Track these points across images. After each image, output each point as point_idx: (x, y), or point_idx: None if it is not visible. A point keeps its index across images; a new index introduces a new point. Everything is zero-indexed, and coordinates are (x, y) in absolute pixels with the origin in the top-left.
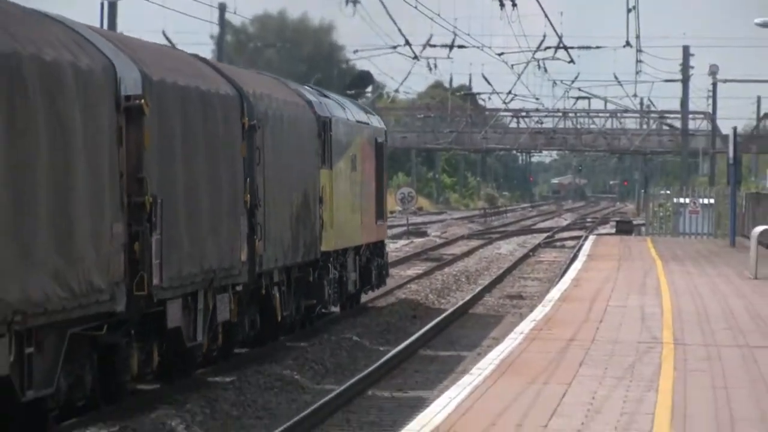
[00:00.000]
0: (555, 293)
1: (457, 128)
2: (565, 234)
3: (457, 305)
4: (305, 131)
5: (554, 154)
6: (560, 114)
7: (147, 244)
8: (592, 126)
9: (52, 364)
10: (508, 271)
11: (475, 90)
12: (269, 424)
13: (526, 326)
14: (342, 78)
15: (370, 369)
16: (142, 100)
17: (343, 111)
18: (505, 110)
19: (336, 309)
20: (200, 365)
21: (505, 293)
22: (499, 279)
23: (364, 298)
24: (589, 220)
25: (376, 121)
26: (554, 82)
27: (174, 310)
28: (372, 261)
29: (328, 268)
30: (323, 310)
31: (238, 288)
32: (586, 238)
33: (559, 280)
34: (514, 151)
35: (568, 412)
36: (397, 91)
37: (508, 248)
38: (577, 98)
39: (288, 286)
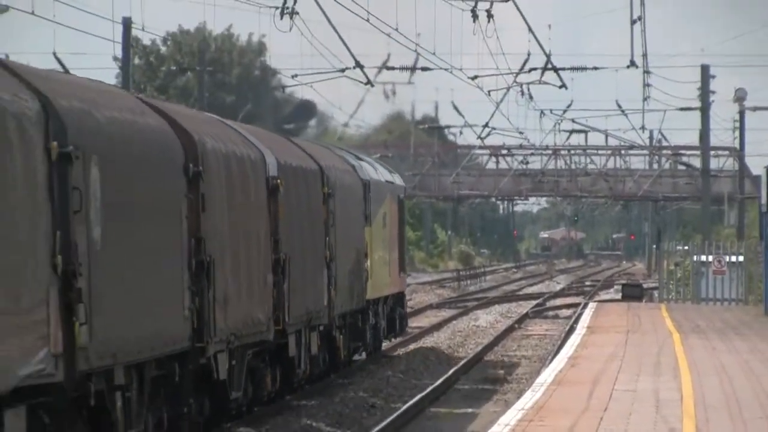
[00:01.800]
0: (547, 375)
1: (422, 170)
2: (559, 301)
3: (426, 391)
4: (356, 194)
5: (543, 201)
6: (550, 152)
7: (281, 290)
8: (590, 166)
9: (241, 374)
10: (489, 347)
11: (443, 122)
12: None
13: (511, 416)
14: (278, 109)
15: None
16: (279, 180)
17: (376, 172)
18: (482, 147)
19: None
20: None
21: (485, 376)
22: (476, 358)
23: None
24: (588, 283)
25: (398, 179)
26: (542, 112)
27: (293, 342)
28: (395, 310)
29: (369, 315)
30: (363, 353)
31: (321, 328)
32: (585, 305)
33: (553, 358)
34: (494, 199)
35: None
36: (346, 124)
37: (489, 319)
38: (571, 132)
39: (345, 329)
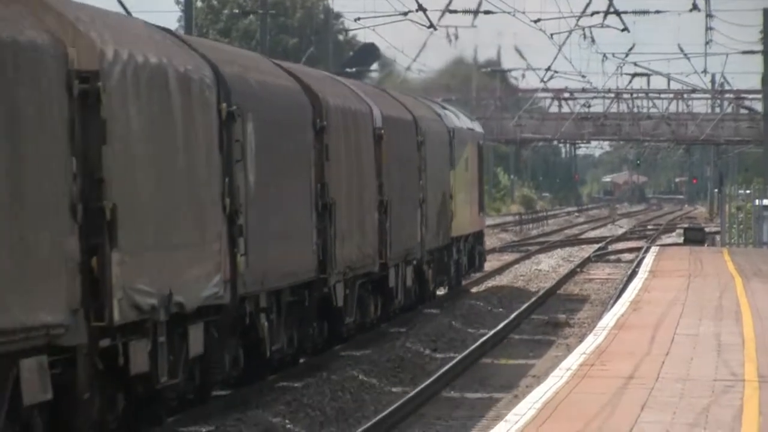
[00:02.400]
0: (609, 319)
1: (485, 114)
2: (621, 245)
3: (488, 335)
4: (443, 141)
5: (605, 145)
6: (612, 95)
7: (384, 229)
8: (652, 110)
9: (353, 301)
10: (551, 292)
11: (505, 66)
12: None
13: (573, 361)
14: (340, 53)
15: (380, 416)
16: (383, 130)
17: (459, 120)
18: (544, 90)
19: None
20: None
21: (547, 320)
22: (539, 302)
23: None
24: (650, 227)
25: (477, 127)
26: (604, 56)
27: (392, 275)
28: (475, 247)
29: (453, 251)
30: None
31: (414, 263)
32: (648, 249)
33: (614, 302)
34: (556, 142)
35: None
36: (409, 68)
37: (550, 263)
38: (633, 75)
39: (433, 263)
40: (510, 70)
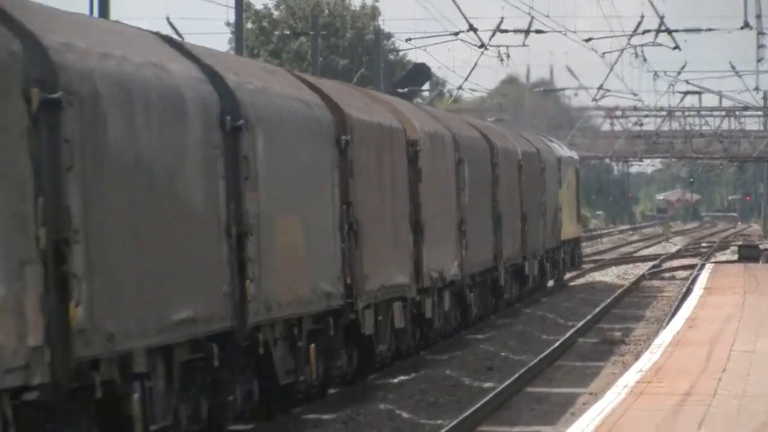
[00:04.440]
0: (665, 336)
1: (537, 133)
2: (676, 262)
3: (544, 353)
4: (554, 167)
5: (658, 162)
6: (664, 113)
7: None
8: (704, 127)
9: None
10: (606, 309)
11: (557, 85)
12: None
13: (630, 378)
14: (391, 73)
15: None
16: (522, 162)
17: (562, 150)
18: (596, 109)
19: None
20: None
21: (603, 337)
22: (594, 319)
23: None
24: (704, 244)
25: (575, 155)
26: (656, 74)
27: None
28: (575, 250)
29: (561, 252)
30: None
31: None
32: (702, 266)
33: (670, 319)
34: (608, 160)
35: None
36: (461, 87)
37: (605, 281)
38: (685, 93)
39: (550, 261)
40: (562, 90)
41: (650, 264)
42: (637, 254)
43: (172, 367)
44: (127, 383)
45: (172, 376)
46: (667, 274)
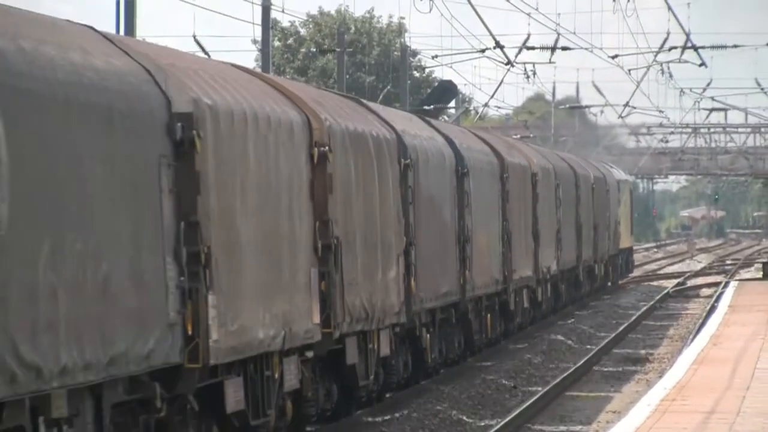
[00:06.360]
0: (689, 354)
1: (563, 150)
2: (700, 280)
3: (568, 371)
4: (615, 188)
5: (683, 179)
6: (690, 130)
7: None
8: (729, 144)
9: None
10: (630, 327)
11: (584, 102)
12: None
13: (654, 396)
14: (418, 90)
15: None
16: (594, 185)
17: (620, 173)
18: (622, 126)
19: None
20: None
21: (626, 355)
22: (618, 337)
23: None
24: (728, 262)
25: (630, 177)
26: (681, 91)
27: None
28: (628, 258)
29: (618, 258)
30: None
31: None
32: (727, 284)
33: (694, 337)
34: (633, 177)
35: None
36: (487, 105)
37: (629, 299)
38: (711, 110)
39: (609, 266)
40: (588, 107)
41: (675, 281)
42: (661, 272)
43: None
44: None
45: None
46: (691, 292)
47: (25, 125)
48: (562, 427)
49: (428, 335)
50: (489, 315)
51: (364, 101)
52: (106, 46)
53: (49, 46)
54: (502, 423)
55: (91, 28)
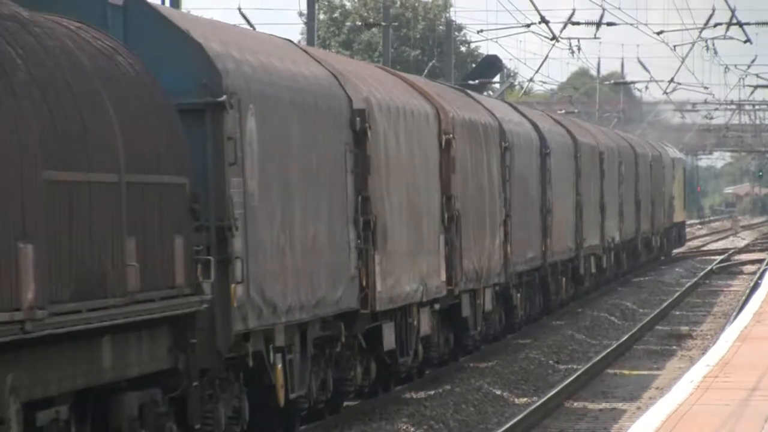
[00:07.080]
0: (732, 331)
1: (608, 125)
2: (744, 257)
3: (611, 347)
4: (669, 166)
5: (727, 156)
6: (734, 107)
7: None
8: None
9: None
10: (674, 304)
11: (628, 78)
12: None
13: (697, 372)
14: (462, 65)
15: (504, 428)
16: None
17: (674, 152)
18: (666, 102)
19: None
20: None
21: (670, 331)
22: (662, 314)
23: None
24: None
25: (682, 156)
26: (726, 67)
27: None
28: (681, 230)
29: (673, 231)
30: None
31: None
32: None
33: (738, 314)
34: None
35: None
36: (531, 80)
37: (673, 275)
38: (756, 87)
39: (665, 237)
40: (633, 83)
41: (718, 258)
42: (705, 248)
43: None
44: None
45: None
46: (735, 269)
47: (267, 123)
48: (604, 404)
49: (519, 294)
50: (563, 278)
51: (469, 92)
52: (302, 55)
53: (274, 59)
54: (545, 398)
55: (290, 41)
